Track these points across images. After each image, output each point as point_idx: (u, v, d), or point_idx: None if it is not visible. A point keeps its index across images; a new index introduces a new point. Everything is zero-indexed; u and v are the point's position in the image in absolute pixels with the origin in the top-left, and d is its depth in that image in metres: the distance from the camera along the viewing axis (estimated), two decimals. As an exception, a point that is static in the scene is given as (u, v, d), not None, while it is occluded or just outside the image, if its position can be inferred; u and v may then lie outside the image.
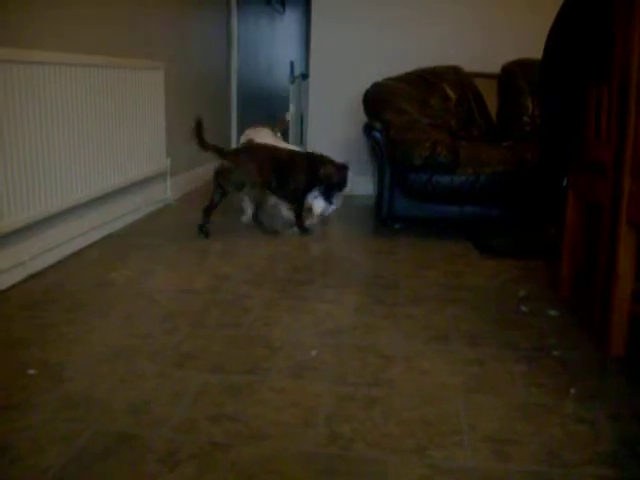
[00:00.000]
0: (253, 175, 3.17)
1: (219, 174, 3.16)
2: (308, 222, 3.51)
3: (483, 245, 3.21)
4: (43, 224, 2.65)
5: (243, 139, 3.75)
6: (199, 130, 3.10)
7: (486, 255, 3.10)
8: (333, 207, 3.58)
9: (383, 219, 3.63)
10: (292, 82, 5.84)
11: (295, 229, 3.42)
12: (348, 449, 1.46)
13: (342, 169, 3.47)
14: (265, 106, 7.12)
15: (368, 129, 3.62)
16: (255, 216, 3.38)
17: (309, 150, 3.88)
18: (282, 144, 3.70)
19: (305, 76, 5.46)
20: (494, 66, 4.29)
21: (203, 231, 3.25)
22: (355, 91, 4.10)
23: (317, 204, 3.59)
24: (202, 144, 3.12)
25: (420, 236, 3.48)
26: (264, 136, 3.68)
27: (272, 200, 3.51)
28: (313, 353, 1.95)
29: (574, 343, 2.08)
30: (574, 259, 2.45)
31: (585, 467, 1.41)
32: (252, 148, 3.33)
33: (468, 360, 1.94)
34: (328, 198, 3.51)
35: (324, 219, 3.63)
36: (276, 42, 7.83)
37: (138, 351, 1.94)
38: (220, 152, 3.17)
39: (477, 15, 4.48)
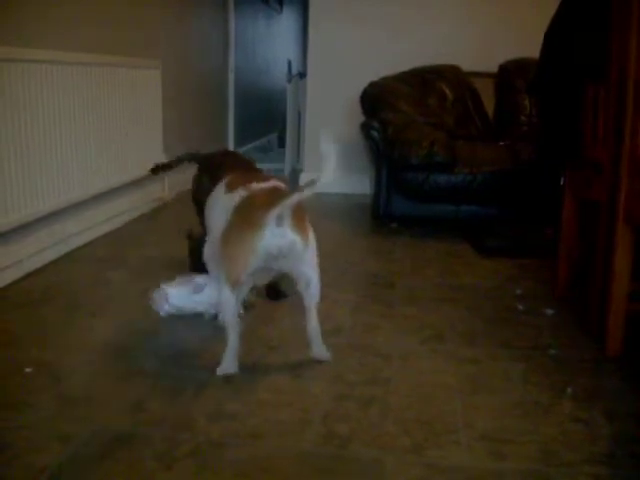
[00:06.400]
0: None
1: None
2: None
3: (480, 244, 3.21)
4: (41, 222, 2.64)
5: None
6: None
7: (483, 254, 3.10)
8: None
9: (380, 218, 3.63)
10: (289, 81, 5.83)
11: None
12: (345, 448, 1.46)
13: None
14: (263, 105, 7.13)
15: (365, 128, 3.62)
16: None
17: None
18: None
19: (302, 75, 5.45)
20: (492, 65, 4.29)
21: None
22: (352, 90, 4.09)
23: None
24: None
25: (417, 235, 3.48)
26: None
27: None
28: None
29: (571, 342, 2.09)
30: (571, 258, 2.45)
31: (581, 466, 1.41)
32: None
33: (465, 359, 1.94)
34: None
35: None
36: (273, 41, 7.83)
37: (135, 350, 1.94)
38: None
39: (475, 14, 4.48)
